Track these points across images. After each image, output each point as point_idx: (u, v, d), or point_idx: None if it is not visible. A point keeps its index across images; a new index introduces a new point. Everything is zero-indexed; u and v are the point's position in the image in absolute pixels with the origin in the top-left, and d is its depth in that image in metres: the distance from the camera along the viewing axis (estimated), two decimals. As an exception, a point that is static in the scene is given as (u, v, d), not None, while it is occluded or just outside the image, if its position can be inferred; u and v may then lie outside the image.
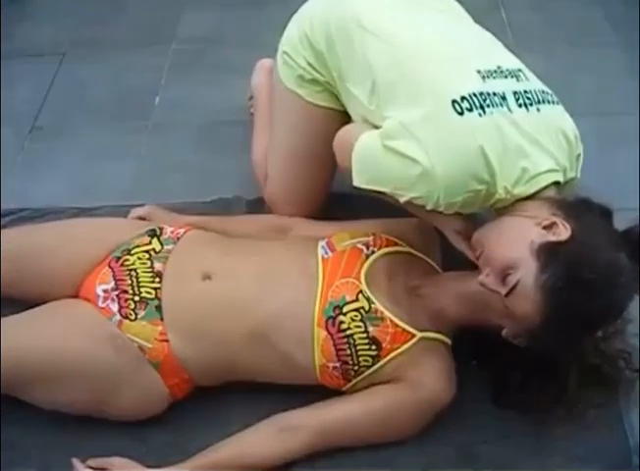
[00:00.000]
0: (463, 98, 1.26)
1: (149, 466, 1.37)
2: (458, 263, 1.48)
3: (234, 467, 1.34)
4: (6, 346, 1.33)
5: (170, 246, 1.49)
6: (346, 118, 1.56)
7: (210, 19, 2.50)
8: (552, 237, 1.22)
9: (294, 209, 1.68)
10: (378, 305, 1.37)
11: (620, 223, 1.31)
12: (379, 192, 1.36)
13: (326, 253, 1.46)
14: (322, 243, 1.49)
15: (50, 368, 1.36)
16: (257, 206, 1.81)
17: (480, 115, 1.25)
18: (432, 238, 1.57)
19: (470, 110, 1.25)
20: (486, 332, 1.40)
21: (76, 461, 1.36)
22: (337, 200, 1.74)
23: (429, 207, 1.29)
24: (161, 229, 1.54)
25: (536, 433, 1.44)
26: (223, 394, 1.47)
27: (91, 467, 1.35)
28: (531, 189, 1.28)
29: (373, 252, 1.46)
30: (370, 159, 1.35)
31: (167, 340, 1.39)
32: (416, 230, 1.56)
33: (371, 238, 1.50)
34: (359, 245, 1.47)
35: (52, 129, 2.15)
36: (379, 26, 1.42)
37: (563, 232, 1.22)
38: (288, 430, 1.37)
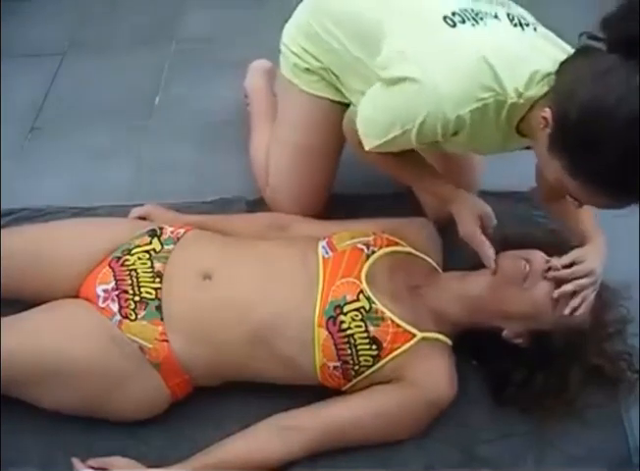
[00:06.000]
0: (454, 13, 1.24)
1: (149, 466, 1.37)
2: (459, 263, 1.48)
3: (234, 467, 1.34)
4: (6, 346, 1.33)
5: (170, 246, 1.49)
6: (344, 110, 1.56)
7: (210, 19, 2.49)
8: (548, 131, 1.15)
9: (296, 205, 1.69)
10: (379, 305, 1.37)
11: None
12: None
13: (326, 253, 1.46)
14: (322, 243, 1.49)
15: (50, 368, 1.36)
16: (257, 206, 1.81)
17: (473, 25, 1.23)
18: (433, 238, 1.57)
19: (463, 22, 1.23)
20: (486, 332, 1.40)
21: (76, 461, 1.36)
22: (337, 200, 1.75)
23: (440, 131, 1.24)
24: (161, 229, 1.54)
25: (536, 432, 1.44)
26: (223, 394, 1.47)
27: (92, 467, 1.35)
28: (544, 89, 1.20)
29: (374, 252, 1.46)
30: (371, 107, 1.32)
31: (167, 341, 1.39)
32: (417, 229, 1.56)
33: (372, 238, 1.50)
34: (360, 245, 1.47)
35: (52, 129, 2.14)
36: None
37: (549, 118, 1.14)
38: (288, 430, 1.37)
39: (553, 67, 1.19)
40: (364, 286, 1.39)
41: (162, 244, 1.50)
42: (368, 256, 1.45)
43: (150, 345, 1.38)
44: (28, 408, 1.41)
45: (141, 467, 1.37)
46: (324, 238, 1.50)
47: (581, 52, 1.17)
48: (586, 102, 1.07)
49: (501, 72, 1.19)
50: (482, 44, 1.21)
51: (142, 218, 1.68)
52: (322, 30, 1.50)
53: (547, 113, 1.14)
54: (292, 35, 1.60)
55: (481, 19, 1.24)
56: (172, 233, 1.53)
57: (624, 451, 1.44)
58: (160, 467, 1.36)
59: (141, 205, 1.73)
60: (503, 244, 1.42)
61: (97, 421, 1.43)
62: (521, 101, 1.21)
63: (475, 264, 1.41)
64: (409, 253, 1.51)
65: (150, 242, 1.50)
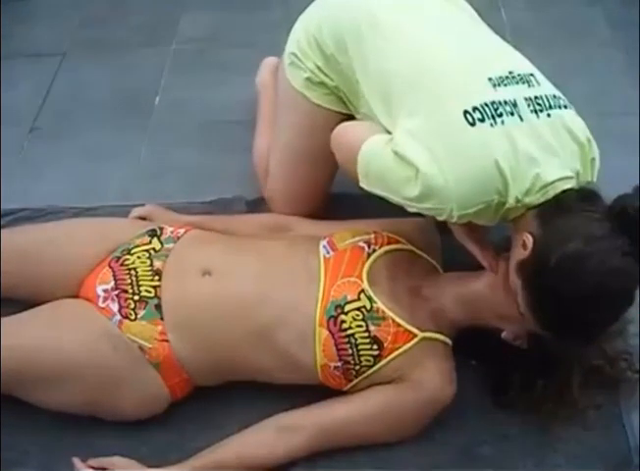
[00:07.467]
0: (475, 109, 1.24)
1: (149, 466, 1.37)
2: (459, 263, 1.48)
3: (233, 467, 1.34)
4: (6, 346, 1.33)
5: (170, 245, 1.49)
6: (344, 118, 1.55)
7: (210, 19, 2.50)
8: (524, 255, 1.22)
9: (294, 208, 1.68)
10: (380, 304, 1.37)
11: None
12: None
13: (327, 252, 1.46)
14: (323, 243, 1.49)
15: (50, 368, 1.36)
16: (257, 206, 1.81)
17: (492, 125, 1.23)
18: (433, 238, 1.57)
19: (482, 120, 1.23)
20: (486, 332, 1.40)
21: (76, 461, 1.36)
22: (337, 200, 1.74)
23: (441, 218, 1.28)
24: (161, 229, 1.54)
25: (536, 433, 1.44)
26: (223, 394, 1.47)
27: (92, 467, 1.35)
28: (542, 198, 1.25)
29: (375, 250, 1.46)
30: (379, 166, 1.32)
31: (167, 340, 1.39)
32: (417, 229, 1.56)
33: (372, 236, 1.49)
34: (361, 244, 1.47)
35: (52, 129, 2.14)
36: (390, 31, 1.40)
37: (529, 245, 1.21)
38: (288, 430, 1.37)
39: (554, 170, 1.24)
40: (365, 285, 1.39)
41: (162, 244, 1.50)
42: (369, 255, 1.45)
43: (150, 345, 1.38)
44: (29, 408, 1.41)
45: (141, 467, 1.37)
46: (325, 238, 1.50)
47: (582, 196, 1.25)
48: (569, 257, 1.16)
49: (509, 177, 1.22)
50: (497, 148, 1.22)
51: (142, 218, 1.68)
52: (339, 57, 1.47)
53: (528, 240, 1.21)
54: (303, 49, 1.54)
55: (499, 115, 1.24)
56: (172, 233, 1.54)
57: (624, 451, 1.43)
58: (160, 467, 1.36)
59: (141, 205, 1.73)
60: (504, 245, 1.41)
61: (97, 421, 1.43)
62: (519, 206, 1.26)
63: (475, 264, 1.41)
64: (410, 251, 1.51)
65: (150, 242, 1.50)
